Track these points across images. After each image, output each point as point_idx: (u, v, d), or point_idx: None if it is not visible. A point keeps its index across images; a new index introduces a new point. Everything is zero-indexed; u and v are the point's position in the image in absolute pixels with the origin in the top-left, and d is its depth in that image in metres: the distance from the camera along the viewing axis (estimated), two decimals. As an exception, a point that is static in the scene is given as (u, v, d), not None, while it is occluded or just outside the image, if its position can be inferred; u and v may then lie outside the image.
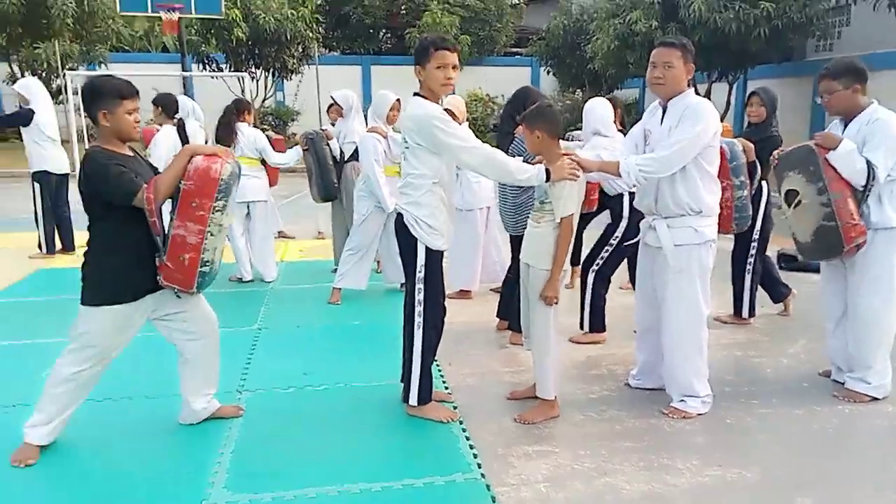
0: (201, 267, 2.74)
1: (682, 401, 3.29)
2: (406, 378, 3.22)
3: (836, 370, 3.66)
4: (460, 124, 4.75)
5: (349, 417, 3.27)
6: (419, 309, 3.13)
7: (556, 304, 3.11)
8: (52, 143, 6.53)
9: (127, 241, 2.75)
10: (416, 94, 3.09)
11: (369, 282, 5.20)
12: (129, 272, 2.78)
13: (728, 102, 14.93)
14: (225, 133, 5.36)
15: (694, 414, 3.25)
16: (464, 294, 5.21)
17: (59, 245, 6.72)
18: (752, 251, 4.52)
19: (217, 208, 2.69)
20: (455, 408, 3.34)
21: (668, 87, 3.13)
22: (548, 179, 3.01)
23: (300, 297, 5.32)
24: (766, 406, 3.39)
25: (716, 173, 3.21)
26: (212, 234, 2.72)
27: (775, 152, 3.71)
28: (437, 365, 3.87)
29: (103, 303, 2.77)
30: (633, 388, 3.58)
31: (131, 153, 2.84)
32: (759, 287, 4.72)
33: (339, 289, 5.14)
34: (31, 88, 6.56)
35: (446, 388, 3.58)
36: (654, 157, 3.06)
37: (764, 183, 4.44)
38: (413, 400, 3.20)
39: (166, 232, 2.74)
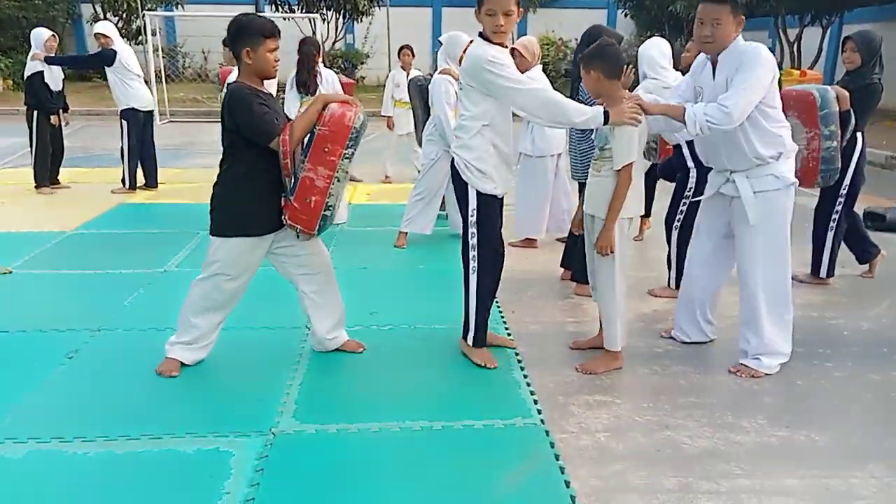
0: (324, 210, 2.84)
1: (757, 359, 3.18)
2: (465, 318, 3.25)
3: None
4: (530, 67, 4.63)
5: (413, 357, 3.33)
6: (473, 253, 3.13)
7: (612, 253, 3.03)
8: (138, 81, 6.78)
9: (260, 177, 2.88)
10: (479, 34, 3.01)
11: (435, 227, 5.22)
12: (262, 206, 2.92)
13: (820, 48, 13.97)
14: (308, 77, 5.40)
15: (763, 374, 3.16)
16: (529, 242, 5.17)
17: (140, 181, 7.01)
18: (838, 206, 4.29)
19: (346, 155, 2.78)
20: (517, 354, 3.36)
21: (718, 44, 2.95)
22: (606, 122, 2.89)
23: (367, 239, 5.40)
24: (840, 369, 3.26)
25: (781, 114, 3.04)
26: (338, 180, 2.81)
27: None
28: (501, 312, 3.89)
29: (235, 234, 2.92)
30: (680, 342, 3.51)
31: (268, 91, 2.93)
32: (845, 246, 4.49)
33: (406, 233, 5.18)
34: (110, 29, 6.77)
35: (509, 334, 3.59)
36: (721, 108, 2.86)
37: (859, 135, 4.16)
38: (470, 340, 3.24)
39: (296, 173, 2.83)
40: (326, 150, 2.76)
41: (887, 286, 4.40)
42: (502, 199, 3.20)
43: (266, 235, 2.97)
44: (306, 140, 2.82)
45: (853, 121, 4.04)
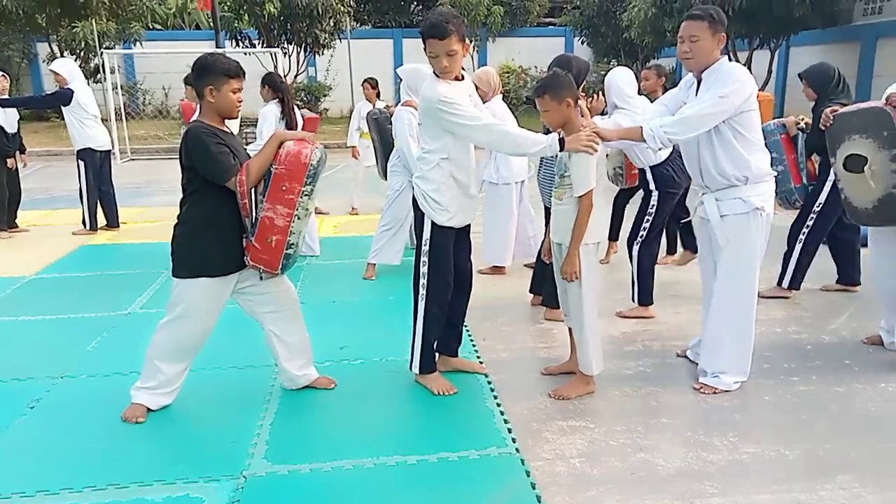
0: (286, 249, 2.83)
1: (717, 377, 3.24)
2: (411, 346, 3.27)
3: (885, 334, 3.65)
4: (490, 97, 4.71)
5: (385, 391, 3.31)
6: (423, 281, 3.17)
7: (578, 279, 3.07)
8: (94, 121, 6.68)
9: (221, 216, 2.86)
10: (434, 72, 3.04)
11: (404, 257, 5.22)
12: (224, 245, 2.89)
13: (770, 70, 14.47)
14: (290, 116, 5.36)
15: (722, 391, 3.20)
16: (497, 270, 5.20)
17: (102, 221, 6.88)
18: (810, 222, 4.42)
19: (305, 192, 2.78)
20: (489, 382, 3.36)
21: (697, 60, 3.04)
22: (562, 149, 2.94)
23: (336, 272, 5.38)
24: (806, 383, 3.33)
25: (759, 140, 3.11)
26: (298, 218, 2.80)
27: (827, 110, 3.60)
28: (472, 339, 3.89)
29: (198, 274, 2.88)
30: (690, 360, 3.56)
31: (229, 130, 2.93)
32: (833, 259, 4.67)
33: (374, 264, 5.18)
34: (69, 67, 6.69)
35: (481, 361, 3.60)
36: (678, 119, 2.96)
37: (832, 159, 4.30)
38: (415, 368, 3.26)
39: (255, 214, 2.82)
40: (284, 188, 2.75)
41: (846, 299, 4.53)
42: (465, 228, 3.23)
43: (230, 275, 2.94)
44: (265, 179, 2.81)
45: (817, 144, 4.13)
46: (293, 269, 5.27)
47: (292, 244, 2.84)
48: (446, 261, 3.17)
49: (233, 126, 5.07)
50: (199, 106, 3.00)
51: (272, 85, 5.60)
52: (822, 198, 4.35)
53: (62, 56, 16.00)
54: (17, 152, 6.86)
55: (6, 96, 6.62)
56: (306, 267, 5.50)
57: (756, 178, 3.08)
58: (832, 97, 4.18)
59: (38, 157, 12.32)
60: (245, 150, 3.01)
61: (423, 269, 3.16)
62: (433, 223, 3.10)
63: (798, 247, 4.47)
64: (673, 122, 2.97)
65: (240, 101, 2.90)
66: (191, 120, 5.57)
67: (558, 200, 3.10)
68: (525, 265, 5.25)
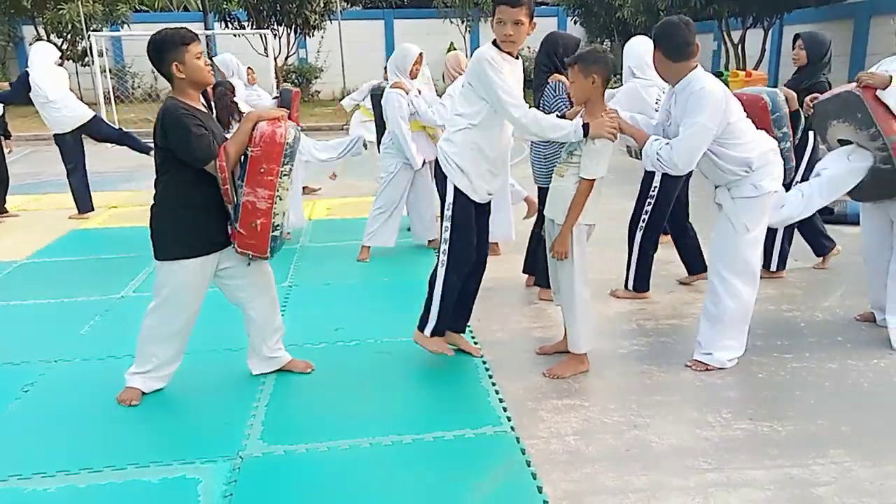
0: (273, 231, 2.79)
1: (709, 353, 3.26)
2: (425, 308, 3.28)
3: (878, 312, 3.68)
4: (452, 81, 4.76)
5: (380, 371, 3.31)
6: (444, 247, 3.16)
7: (566, 259, 3.08)
8: (54, 105, 6.38)
9: (199, 196, 2.81)
10: (493, 41, 3.05)
11: (398, 239, 5.21)
12: (204, 226, 2.85)
13: (763, 49, 14.43)
14: (225, 115, 4.99)
15: (715, 367, 3.23)
16: (491, 248, 5.18)
17: (98, 203, 6.76)
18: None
19: (284, 172, 2.73)
20: (485, 362, 3.37)
21: (667, 79, 3.09)
22: (585, 135, 2.95)
23: (330, 254, 5.36)
24: (798, 360, 3.35)
25: (746, 137, 3.09)
26: (280, 199, 2.76)
27: (807, 99, 3.60)
28: (466, 320, 3.89)
29: (179, 256, 2.85)
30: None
31: (205, 108, 2.86)
32: (803, 239, 4.63)
33: (368, 247, 5.16)
34: (32, 52, 6.52)
35: (476, 342, 3.60)
36: (671, 157, 2.97)
37: (810, 133, 4.30)
38: (428, 331, 3.26)
39: (236, 200, 2.78)
40: (262, 170, 2.71)
41: (839, 277, 4.55)
42: (485, 206, 3.23)
43: (211, 255, 2.90)
44: (241, 163, 2.76)
45: (802, 120, 4.17)
46: (287, 252, 5.31)
47: (277, 226, 2.81)
48: (467, 231, 3.16)
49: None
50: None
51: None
52: (798, 176, 4.26)
53: (48, 38, 15.81)
54: (3, 137, 6.77)
55: None
56: (300, 249, 5.48)
57: (758, 164, 3.08)
58: (821, 69, 4.20)
59: (27, 141, 12.19)
60: (221, 130, 2.95)
61: (446, 235, 3.15)
62: (455, 189, 3.10)
63: (780, 229, 4.39)
64: (667, 154, 2.98)
65: (207, 65, 2.81)
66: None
67: (559, 176, 3.10)
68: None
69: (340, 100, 7.73)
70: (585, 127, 2.95)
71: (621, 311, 4.07)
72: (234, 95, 5.32)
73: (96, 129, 6.71)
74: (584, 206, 3.04)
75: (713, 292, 3.23)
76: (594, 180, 3.00)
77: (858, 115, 3.30)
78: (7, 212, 6.84)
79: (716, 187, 3.25)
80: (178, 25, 2.89)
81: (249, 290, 3.07)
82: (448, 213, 3.13)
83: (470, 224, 3.17)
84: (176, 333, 3.00)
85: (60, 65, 6.66)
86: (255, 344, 3.19)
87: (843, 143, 3.51)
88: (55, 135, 6.57)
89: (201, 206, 2.83)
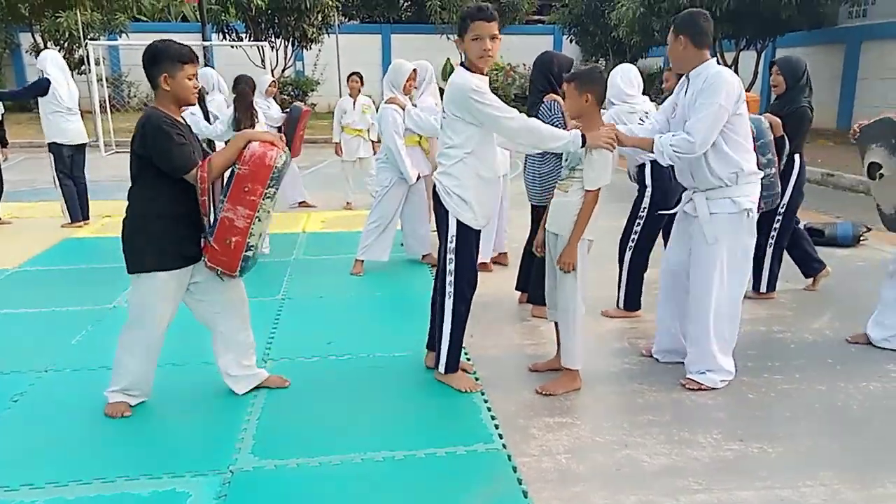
0: (245, 251, 2.77)
1: (702, 373, 3.28)
2: (437, 346, 3.25)
3: (878, 329, 3.73)
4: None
5: (372, 386, 3.31)
6: (450, 279, 3.15)
7: (574, 270, 3.11)
8: (65, 114, 6.51)
9: (174, 207, 2.79)
10: (461, 64, 3.08)
11: (391, 253, 5.22)
12: (176, 239, 2.82)
13: (756, 72, 14.61)
14: (245, 115, 5.25)
15: (708, 387, 3.25)
16: (484, 266, 5.20)
17: (97, 210, 6.76)
18: (776, 224, 4.45)
19: (268, 195, 2.73)
20: (477, 379, 3.37)
21: (673, 64, 3.25)
22: (583, 145, 2.99)
23: (323, 267, 5.36)
24: (788, 382, 3.37)
25: (748, 143, 3.18)
26: (259, 220, 2.75)
27: (855, 125, 3.69)
28: (459, 336, 3.90)
29: (152, 269, 2.81)
30: (660, 361, 3.57)
31: (183, 121, 2.87)
32: (793, 261, 4.66)
33: (362, 260, 5.17)
34: (47, 59, 6.59)
35: (468, 359, 3.61)
36: (687, 139, 3.04)
37: (796, 157, 4.36)
38: (441, 367, 3.24)
39: (214, 213, 2.78)
40: (246, 189, 2.70)
41: (829, 299, 4.59)
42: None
43: (183, 269, 2.87)
44: (226, 179, 2.75)
45: (787, 144, 4.24)
46: (280, 264, 5.32)
47: (251, 246, 2.79)
48: (472, 259, 3.18)
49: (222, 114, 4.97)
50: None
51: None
52: (785, 199, 4.34)
53: (45, 46, 15.81)
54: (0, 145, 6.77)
55: None
56: (293, 262, 5.48)
57: (744, 178, 3.15)
58: (801, 92, 4.27)
59: (21, 148, 12.16)
60: (201, 144, 2.96)
61: (451, 267, 3.14)
62: (458, 221, 3.09)
63: (769, 251, 4.43)
64: (680, 141, 3.05)
65: (196, 88, 2.83)
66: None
67: (563, 192, 3.14)
68: (492, 260, 5.26)
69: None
70: (583, 137, 2.98)
71: (613, 329, 4.09)
72: (254, 94, 5.38)
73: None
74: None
75: (702, 312, 3.25)
76: (599, 190, 3.04)
77: (893, 141, 3.39)
78: (0, 219, 6.81)
79: (692, 194, 3.26)
80: (177, 37, 2.90)
81: (220, 306, 3.03)
82: (451, 245, 3.12)
83: (473, 253, 3.19)
84: (149, 348, 2.96)
85: None
86: (225, 364, 3.12)
87: (871, 168, 3.60)
88: (54, 143, 6.56)
89: (176, 217, 2.80)
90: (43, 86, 6.43)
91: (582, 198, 3.07)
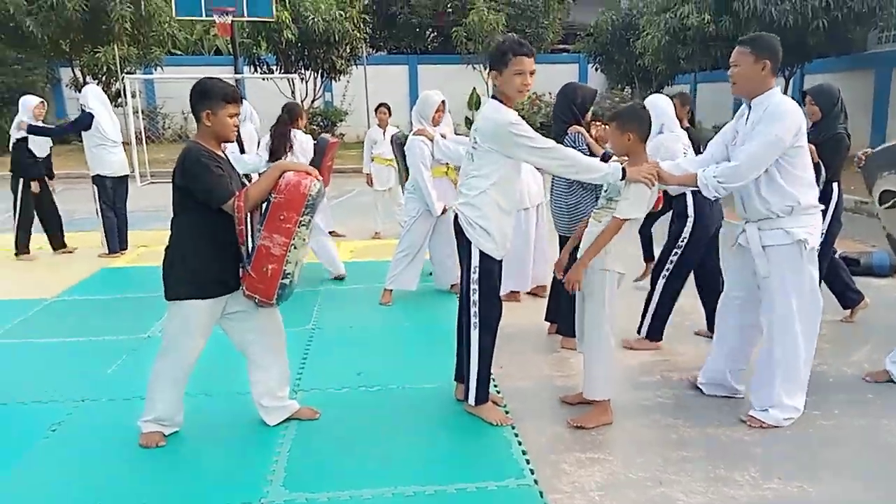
0: (282, 279, 2.82)
1: (765, 410, 3.19)
2: (465, 377, 3.24)
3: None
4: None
5: (402, 419, 3.30)
6: (474, 310, 3.15)
7: (579, 290, 3.11)
8: (109, 147, 6.73)
9: (213, 238, 2.86)
10: (492, 96, 3.11)
11: (420, 283, 5.24)
12: (215, 268, 2.89)
13: (784, 98, 14.47)
14: (280, 142, 5.40)
15: (773, 425, 3.15)
16: (512, 295, 5.20)
17: (133, 241, 6.94)
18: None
19: (303, 223, 2.78)
20: (507, 412, 3.35)
21: (739, 86, 3.08)
22: (623, 178, 2.99)
23: (352, 297, 5.40)
24: (827, 417, 3.29)
25: (808, 175, 3.07)
26: (295, 248, 2.80)
27: (860, 153, 3.62)
28: (488, 368, 3.88)
29: (189, 297, 2.88)
30: (704, 393, 3.50)
31: (223, 155, 2.96)
32: (830, 292, 4.58)
33: (391, 290, 5.20)
34: (89, 94, 6.82)
35: (498, 391, 3.59)
36: (731, 166, 2.98)
37: (834, 185, 4.30)
38: (471, 399, 3.22)
39: (251, 242, 2.84)
40: (282, 217, 2.76)
41: (867, 331, 4.48)
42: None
43: (220, 297, 2.94)
44: (263, 208, 2.83)
45: (823, 172, 4.18)
46: (310, 294, 5.37)
47: (288, 273, 2.83)
48: (496, 288, 3.18)
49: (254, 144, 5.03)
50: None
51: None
52: (823, 228, 4.23)
53: (84, 80, 16.35)
54: (46, 177, 6.97)
55: (40, 123, 6.77)
56: (323, 292, 5.53)
57: (801, 210, 3.04)
58: (837, 119, 4.21)
59: (59, 179, 12.46)
60: (239, 175, 3.04)
61: (475, 298, 3.14)
62: (481, 251, 3.11)
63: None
64: (725, 171, 2.98)
65: (236, 126, 2.93)
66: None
67: (597, 222, 3.14)
68: (531, 292, 5.24)
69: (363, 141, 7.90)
70: (623, 171, 2.99)
71: (644, 361, 4.03)
72: (294, 125, 5.49)
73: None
74: (616, 253, 3.08)
75: (766, 347, 3.17)
76: (625, 221, 3.03)
77: None
78: (66, 247, 7.04)
79: (745, 224, 3.19)
80: (209, 70, 3.00)
81: (256, 335, 3.08)
82: (475, 276, 3.13)
83: (496, 283, 3.19)
84: (179, 379, 3.02)
85: None
86: (259, 394, 3.16)
87: (884, 195, 3.51)
88: (98, 175, 6.76)
89: (214, 246, 2.87)
90: (86, 121, 6.65)
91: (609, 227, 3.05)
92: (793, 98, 3.15)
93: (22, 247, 6.81)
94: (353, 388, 3.64)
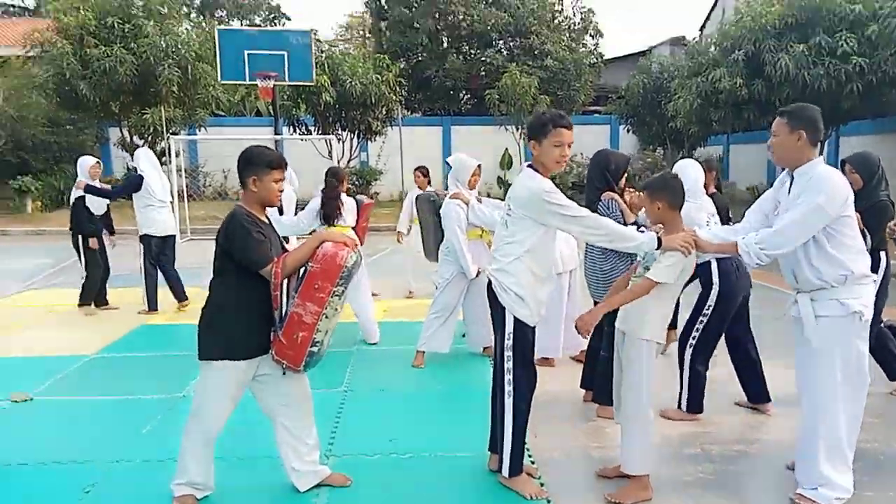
0: (311, 346, 2.85)
1: (814, 489, 3.05)
2: (499, 447, 3.19)
3: None
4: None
5: (434, 490, 3.25)
6: (508, 377, 3.12)
7: (589, 335, 3.11)
8: (158, 207, 6.98)
9: (251, 300, 2.91)
10: (529, 165, 3.16)
11: (453, 345, 5.22)
12: (251, 329, 2.93)
13: (820, 160, 14.36)
14: (332, 206, 5.46)
15: None
16: (546, 361, 5.13)
17: (169, 299, 7.09)
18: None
19: (337, 293, 2.82)
20: (542, 484, 3.27)
21: (778, 155, 3.09)
22: (658, 247, 2.99)
23: (384, 358, 5.39)
24: (882, 499, 3.15)
25: (857, 243, 3.01)
26: (326, 317, 2.84)
27: (892, 223, 3.55)
28: (523, 436, 3.81)
29: (221, 357, 2.92)
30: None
31: (267, 220, 3.05)
32: (877, 363, 4.43)
33: (423, 352, 5.18)
34: (141, 157, 7.11)
35: (532, 461, 3.51)
36: (774, 232, 2.95)
37: (882, 254, 4.22)
38: (505, 471, 3.16)
39: (285, 308, 2.88)
40: (317, 286, 2.80)
41: (916, 404, 4.31)
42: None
43: (252, 360, 2.96)
44: (300, 274, 2.87)
45: (868, 241, 4.10)
46: (343, 355, 5.38)
47: (317, 342, 2.86)
48: (531, 355, 3.16)
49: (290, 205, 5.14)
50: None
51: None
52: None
53: (131, 140, 17.04)
54: (107, 233, 7.23)
55: (97, 182, 7.06)
56: (356, 352, 5.53)
57: (854, 280, 2.97)
58: (878, 186, 4.17)
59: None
60: (280, 240, 3.10)
61: (509, 365, 3.12)
62: (515, 318, 3.10)
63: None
64: (767, 238, 2.95)
65: (280, 191, 3.01)
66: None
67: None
68: (571, 357, 5.18)
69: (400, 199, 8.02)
70: (659, 240, 2.99)
71: (684, 432, 3.92)
72: (343, 189, 5.57)
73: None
74: (657, 324, 3.05)
75: (810, 423, 3.05)
76: (655, 284, 3.00)
77: None
78: (107, 304, 7.23)
79: (796, 294, 3.11)
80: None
81: (284, 399, 3.09)
82: (509, 342, 3.11)
83: (530, 349, 3.17)
84: (210, 440, 3.03)
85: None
86: (287, 458, 3.15)
87: None
88: (145, 234, 6.97)
89: (253, 310, 2.91)
90: (136, 182, 6.91)
91: (652, 297, 3.03)
92: (827, 162, 3.12)
93: (86, 298, 7.05)
94: (385, 454, 3.60)
